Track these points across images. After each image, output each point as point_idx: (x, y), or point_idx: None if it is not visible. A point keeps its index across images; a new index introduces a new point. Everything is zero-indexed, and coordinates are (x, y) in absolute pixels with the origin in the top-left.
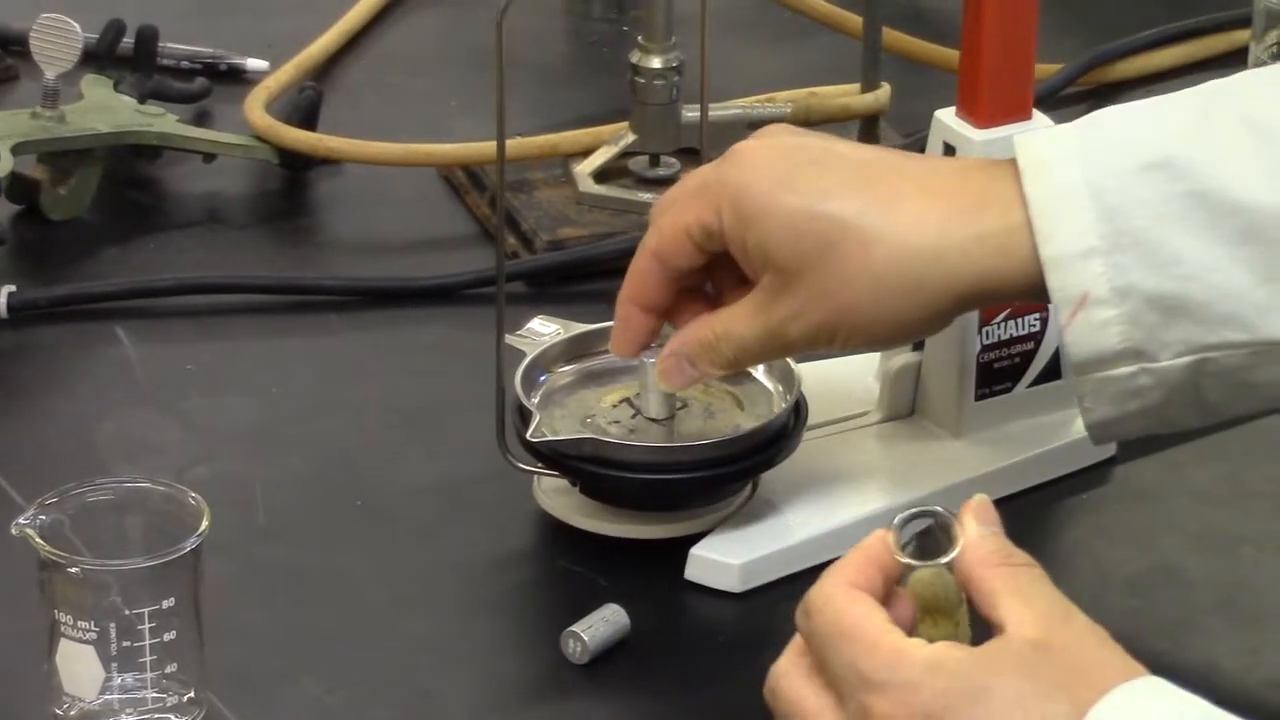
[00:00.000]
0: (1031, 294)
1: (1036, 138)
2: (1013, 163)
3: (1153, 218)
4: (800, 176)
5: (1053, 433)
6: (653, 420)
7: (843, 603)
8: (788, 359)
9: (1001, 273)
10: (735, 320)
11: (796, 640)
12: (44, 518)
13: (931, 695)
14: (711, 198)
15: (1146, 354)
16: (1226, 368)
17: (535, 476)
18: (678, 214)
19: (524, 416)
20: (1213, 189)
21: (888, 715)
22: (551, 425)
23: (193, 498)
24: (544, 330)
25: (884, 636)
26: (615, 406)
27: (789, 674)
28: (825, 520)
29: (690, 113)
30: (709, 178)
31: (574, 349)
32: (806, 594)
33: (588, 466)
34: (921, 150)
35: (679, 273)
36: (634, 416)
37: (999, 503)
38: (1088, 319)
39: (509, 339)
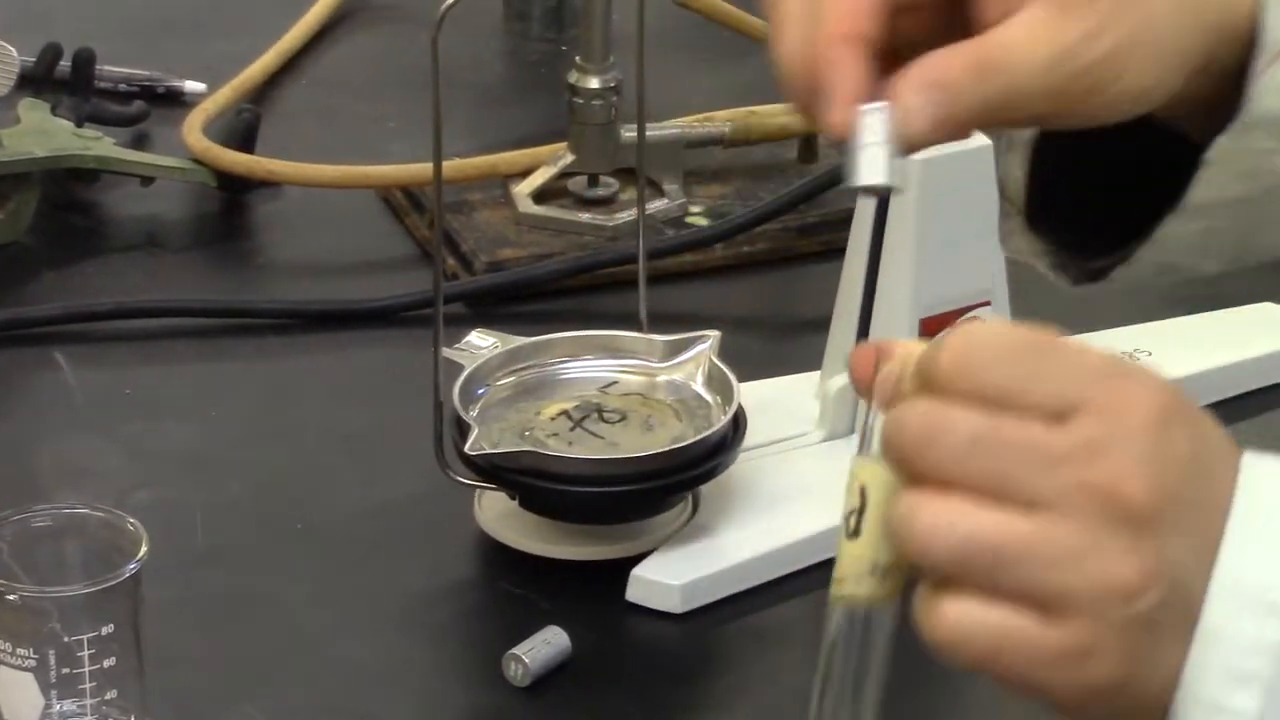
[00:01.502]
0: (1248, 38)
1: None
2: None
3: None
4: None
5: None
6: (866, 189)
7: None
8: (726, 371)
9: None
10: (1019, 37)
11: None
12: None
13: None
14: None
15: None
16: None
17: (476, 498)
18: None
19: (462, 430)
20: None
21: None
22: (490, 438)
23: (131, 523)
24: (482, 344)
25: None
26: (554, 419)
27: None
28: (766, 540)
29: (629, 132)
30: None
31: (512, 362)
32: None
33: (527, 479)
34: None
35: None
36: (573, 429)
37: None
38: (1276, 76)
39: (447, 352)
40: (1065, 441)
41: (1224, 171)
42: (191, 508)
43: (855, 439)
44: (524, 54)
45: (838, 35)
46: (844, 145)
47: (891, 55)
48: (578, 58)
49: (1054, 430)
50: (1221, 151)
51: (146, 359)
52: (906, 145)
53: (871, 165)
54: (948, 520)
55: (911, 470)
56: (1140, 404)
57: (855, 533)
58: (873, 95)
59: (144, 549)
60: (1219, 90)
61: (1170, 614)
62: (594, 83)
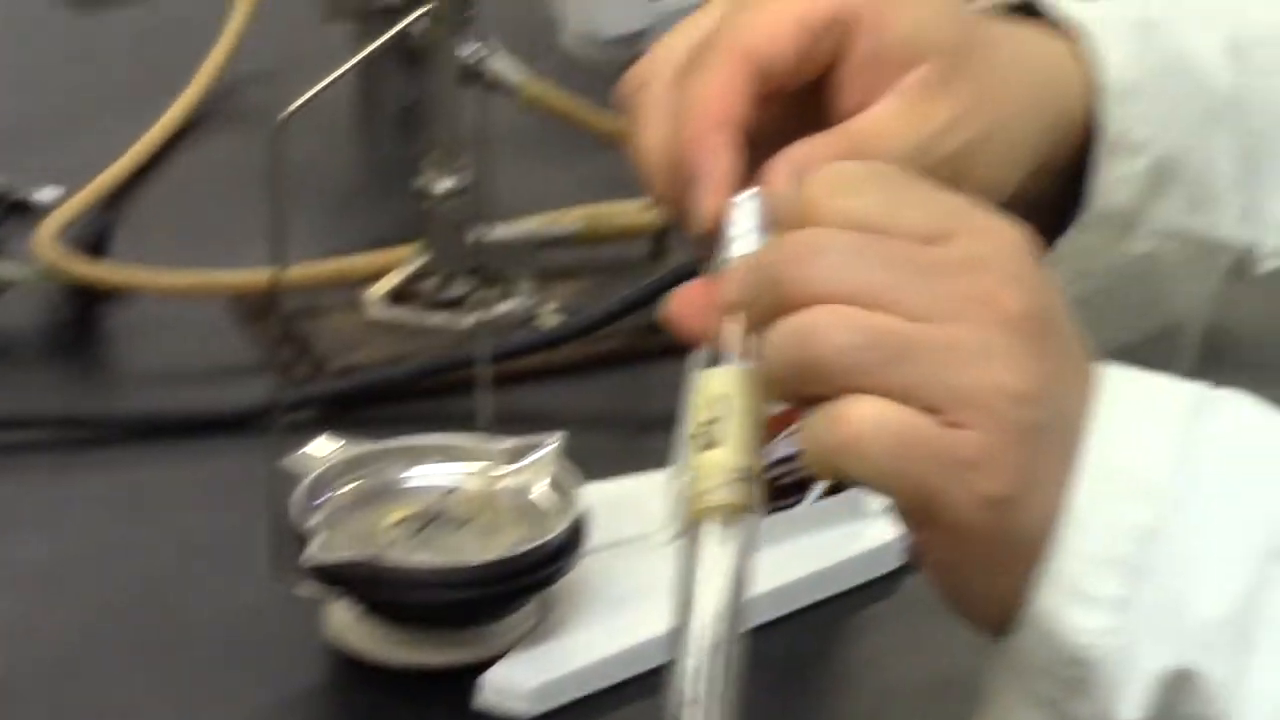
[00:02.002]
0: (1080, 134)
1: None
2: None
3: (1158, 72)
4: None
5: (840, 546)
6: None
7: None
8: (570, 473)
9: (1069, 95)
10: (883, 126)
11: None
12: None
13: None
14: None
15: (1129, 227)
16: (1160, 270)
17: (325, 608)
18: (782, 1)
19: (302, 539)
20: (1187, 61)
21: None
22: (332, 546)
23: None
24: (323, 451)
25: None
26: (397, 525)
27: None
28: (616, 641)
29: (480, 233)
30: None
31: (354, 468)
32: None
33: (368, 587)
34: None
35: (771, 80)
36: (416, 535)
37: (786, 619)
38: (1116, 168)
39: (287, 460)
40: (943, 256)
41: (1065, 271)
42: (40, 622)
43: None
44: (376, 156)
45: (709, 122)
46: (714, 235)
47: (749, 148)
48: (428, 160)
49: (930, 248)
50: (1061, 252)
51: None
52: (777, 233)
53: (745, 253)
54: (848, 317)
55: (793, 293)
56: (1006, 233)
57: (715, 443)
58: (741, 186)
59: None
60: (1051, 189)
61: (1054, 439)
62: (444, 184)
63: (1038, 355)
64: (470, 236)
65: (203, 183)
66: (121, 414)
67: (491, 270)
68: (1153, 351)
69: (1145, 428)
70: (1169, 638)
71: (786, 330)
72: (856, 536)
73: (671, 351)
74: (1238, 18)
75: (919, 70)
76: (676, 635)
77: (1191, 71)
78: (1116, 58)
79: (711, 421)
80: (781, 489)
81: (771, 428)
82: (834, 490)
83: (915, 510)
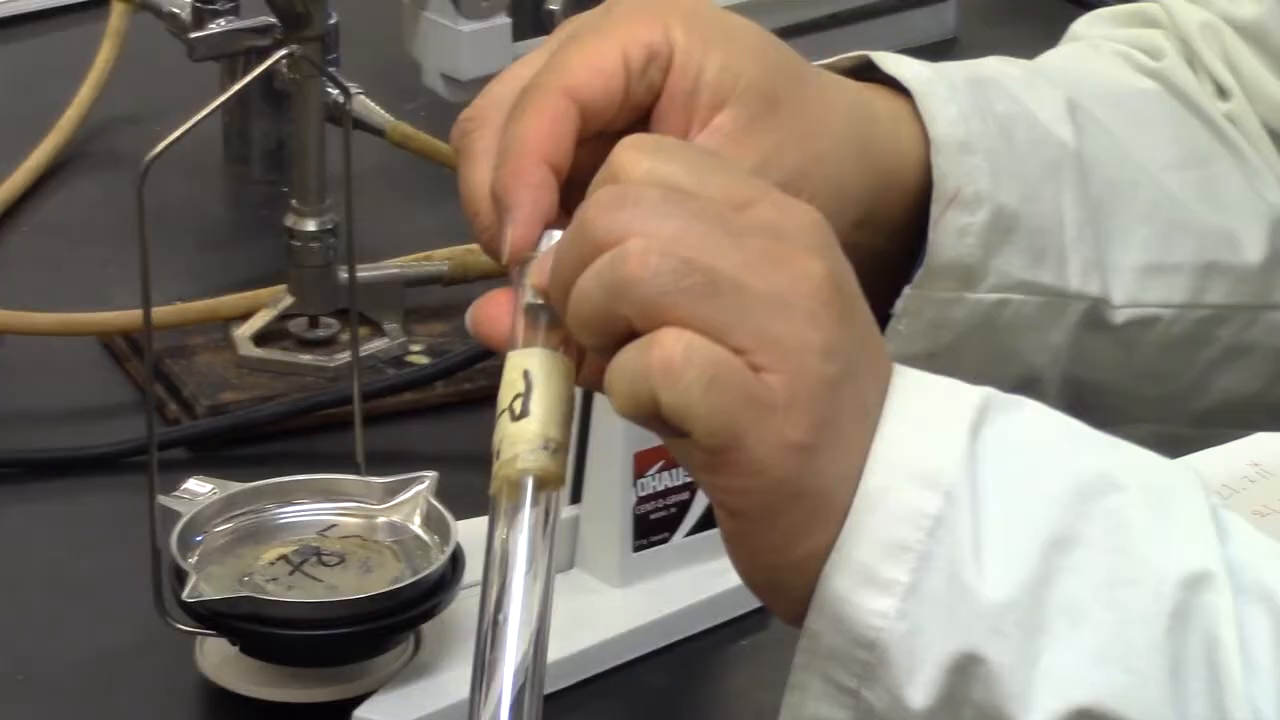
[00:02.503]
0: (916, 190)
1: (880, 53)
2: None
3: (995, 127)
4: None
5: (711, 581)
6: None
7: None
8: (444, 511)
9: (902, 151)
10: None
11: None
12: None
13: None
14: (656, 16)
15: (973, 279)
16: (1008, 321)
17: (198, 644)
18: (604, 39)
19: (181, 577)
20: (1026, 117)
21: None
22: (209, 584)
23: None
24: (199, 490)
25: None
26: (273, 564)
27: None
28: None
29: (347, 273)
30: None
31: (230, 508)
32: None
33: (246, 625)
34: None
35: (594, 118)
36: (292, 573)
37: (661, 652)
38: (954, 221)
39: (164, 500)
40: (746, 219)
41: (910, 326)
42: None
43: (517, 339)
44: (245, 196)
45: (527, 160)
46: (517, 266)
47: (573, 189)
48: (294, 200)
49: (734, 211)
50: (906, 305)
51: None
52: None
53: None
54: (662, 245)
55: (604, 239)
56: (805, 210)
57: (522, 414)
58: (558, 224)
59: None
60: (884, 246)
61: (850, 401)
62: (310, 225)
63: (838, 319)
64: (337, 277)
65: (70, 224)
66: None
67: (358, 310)
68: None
69: (935, 421)
70: (956, 623)
71: (601, 261)
72: (728, 571)
73: None
74: (1069, 81)
75: (726, 112)
76: (483, 601)
77: (1032, 127)
78: (950, 113)
79: (521, 394)
80: (654, 524)
81: (642, 463)
82: (705, 525)
83: (716, 449)
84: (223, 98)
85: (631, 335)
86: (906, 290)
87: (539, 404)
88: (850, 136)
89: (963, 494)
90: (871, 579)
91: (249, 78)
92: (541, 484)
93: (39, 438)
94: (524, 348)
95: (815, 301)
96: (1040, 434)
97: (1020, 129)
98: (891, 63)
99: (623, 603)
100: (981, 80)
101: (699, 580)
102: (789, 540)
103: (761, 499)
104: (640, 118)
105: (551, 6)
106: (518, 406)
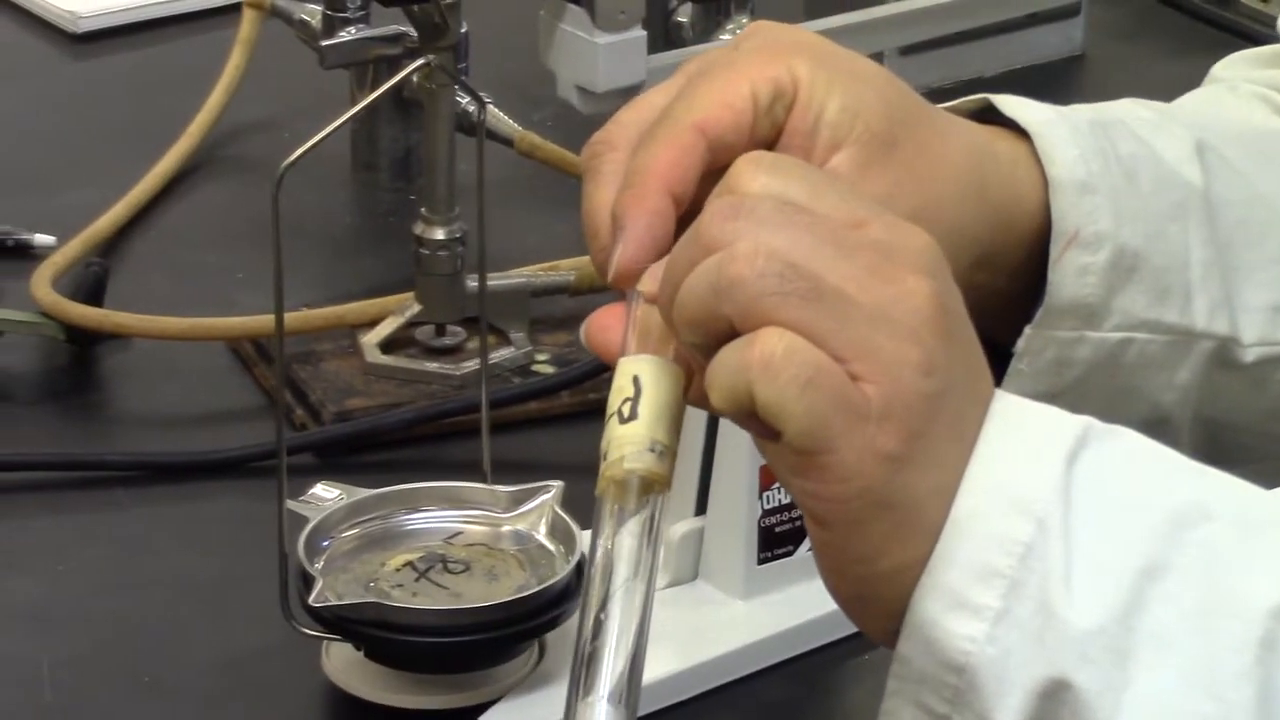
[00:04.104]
0: (1035, 231)
1: (999, 95)
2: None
3: (1118, 169)
4: (857, 56)
5: None
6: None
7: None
8: (569, 520)
9: (1020, 193)
10: None
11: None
12: None
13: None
14: (782, 54)
15: (1095, 319)
16: (1133, 360)
17: (324, 648)
18: (735, 74)
19: (307, 582)
20: (1152, 159)
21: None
22: (335, 590)
23: None
24: (327, 495)
25: None
26: (399, 570)
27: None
28: None
29: (474, 281)
30: (769, 35)
31: (357, 513)
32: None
33: (371, 630)
34: None
35: (722, 152)
36: (418, 580)
37: (783, 665)
38: (1074, 261)
39: (291, 504)
40: (857, 236)
41: (1032, 365)
42: (38, 662)
43: (630, 344)
44: (372, 203)
45: (650, 188)
46: (624, 289)
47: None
48: (423, 209)
49: (847, 229)
50: (1028, 345)
51: None
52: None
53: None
54: (769, 250)
55: (714, 245)
56: (917, 232)
57: (631, 417)
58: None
59: None
60: (1004, 287)
61: (947, 417)
62: (439, 233)
63: (940, 337)
64: (464, 285)
65: (199, 229)
66: (117, 456)
67: (485, 319)
68: None
69: (1032, 447)
70: (1045, 648)
71: (708, 261)
72: None
73: None
74: (1201, 123)
75: (843, 153)
76: (585, 601)
77: (1158, 168)
78: (1070, 154)
79: (630, 399)
80: (778, 537)
81: (767, 476)
82: None
83: (807, 451)
84: (359, 106)
85: (734, 337)
86: (1028, 330)
87: (647, 408)
88: (969, 179)
89: (1055, 521)
90: (962, 603)
91: (386, 86)
92: (647, 486)
93: (166, 441)
94: (635, 355)
95: (918, 318)
96: (1136, 462)
97: (1145, 169)
98: (1013, 105)
99: (746, 615)
100: (1106, 122)
101: (822, 593)
102: (877, 552)
103: (849, 507)
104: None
105: (680, 19)
106: (626, 410)
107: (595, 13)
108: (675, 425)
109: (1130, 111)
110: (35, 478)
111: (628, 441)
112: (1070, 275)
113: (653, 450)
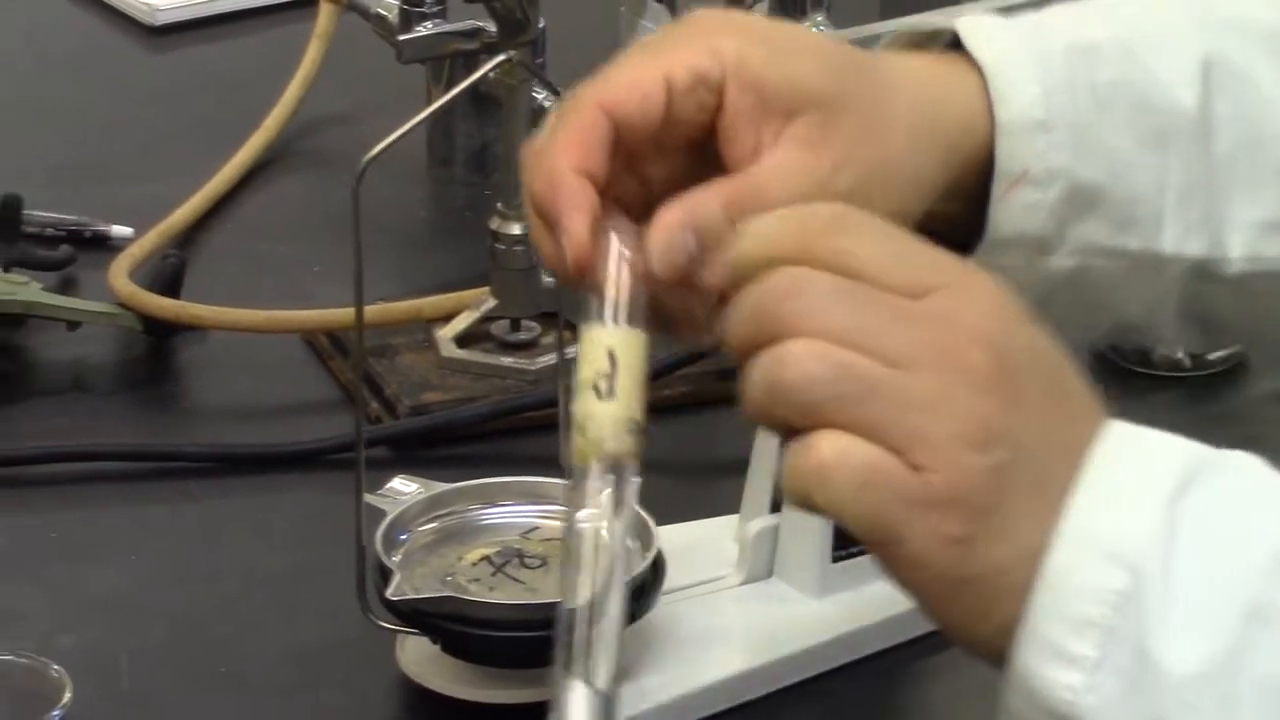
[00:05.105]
0: (985, 164)
1: (973, 20)
2: (954, 43)
3: (1089, 101)
4: (794, 28)
5: None
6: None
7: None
8: (645, 516)
9: (975, 126)
10: (773, 173)
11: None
12: None
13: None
14: (708, 36)
15: (1047, 247)
16: (1095, 280)
17: (399, 642)
18: (651, 59)
19: (385, 575)
20: (1138, 84)
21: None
22: (412, 583)
23: (55, 670)
24: (404, 489)
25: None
26: (476, 564)
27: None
28: (685, 684)
29: (550, 277)
30: (699, 21)
31: (434, 507)
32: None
33: (448, 625)
34: None
35: (630, 131)
36: (494, 574)
37: (857, 664)
38: (1021, 198)
39: (369, 498)
40: (920, 308)
41: None
42: (115, 653)
43: (600, 313)
44: (448, 198)
45: (559, 173)
46: (583, 277)
47: (648, 205)
48: (499, 203)
49: (909, 300)
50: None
51: (71, 503)
52: (655, 283)
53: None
54: (821, 350)
55: (773, 325)
56: (985, 292)
57: (609, 394)
58: (610, 231)
59: (68, 695)
60: (970, 211)
61: (1020, 483)
62: (515, 228)
63: (1005, 405)
64: (540, 280)
65: (275, 222)
66: (193, 448)
67: (560, 314)
68: (1125, 339)
69: (1131, 491)
70: (1144, 696)
71: (764, 358)
72: None
73: (739, 398)
74: (1222, 27)
75: (798, 121)
76: (565, 576)
77: (1147, 90)
78: (1030, 91)
79: (607, 375)
80: (848, 537)
81: None
82: None
83: (878, 544)
84: (441, 101)
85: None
86: (974, 259)
87: (624, 385)
88: (920, 127)
89: (1153, 568)
90: (1059, 653)
91: (468, 82)
92: (624, 463)
93: (241, 433)
94: (607, 325)
95: (979, 393)
96: (1242, 500)
97: (1124, 97)
98: (978, 37)
99: (820, 613)
100: (1089, 46)
101: (896, 593)
102: (970, 621)
103: (930, 588)
104: (698, 135)
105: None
106: (604, 386)
107: (675, 9)
108: (645, 395)
109: (1145, 20)
110: (113, 468)
111: (608, 421)
112: (1017, 211)
113: (631, 431)
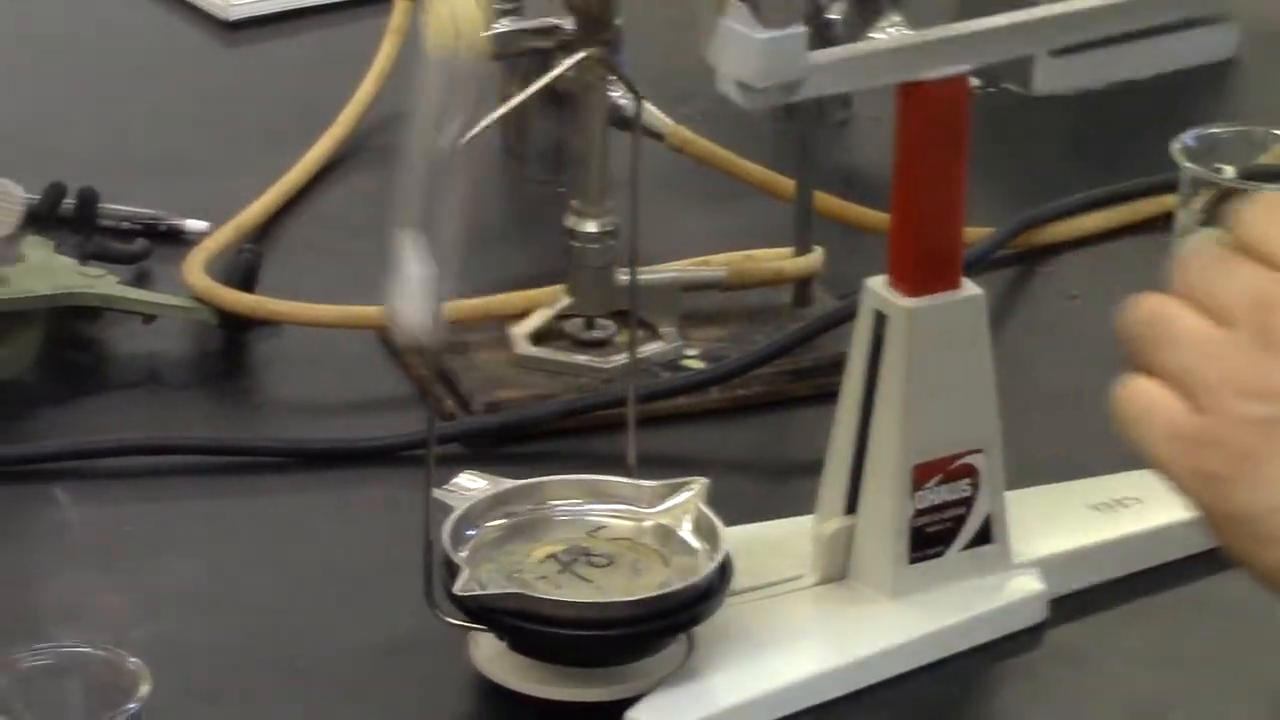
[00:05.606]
0: None
1: None
2: None
3: None
4: None
5: (985, 596)
6: None
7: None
8: (714, 517)
9: None
10: None
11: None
12: None
13: None
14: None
15: None
16: None
17: (471, 638)
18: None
19: (452, 571)
20: None
21: None
22: (479, 580)
23: (132, 662)
24: (472, 485)
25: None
26: (543, 562)
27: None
28: (759, 684)
29: (625, 275)
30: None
31: (502, 504)
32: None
33: (515, 621)
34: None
35: None
36: (561, 572)
37: (930, 667)
38: None
39: (436, 492)
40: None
41: None
42: (190, 645)
43: None
44: (520, 194)
45: None
46: None
47: None
48: (574, 201)
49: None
50: None
51: (146, 496)
52: None
53: None
54: (1154, 301)
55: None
56: None
57: None
58: None
59: (145, 688)
60: None
61: None
62: (591, 226)
63: None
64: (615, 279)
65: (348, 217)
66: (268, 443)
67: (635, 313)
68: None
69: None
70: None
71: (1131, 412)
72: (1002, 587)
73: (814, 398)
74: None
75: None
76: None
77: None
78: None
79: None
80: (930, 537)
81: (920, 475)
82: (981, 540)
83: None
84: (520, 97)
85: None
86: None
87: None
88: None
89: None
90: None
91: (547, 79)
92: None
93: (314, 428)
94: None
95: (1269, 351)
96: None
97: None
98: None
99: (895, 615)
100: None
101: (972, 595)
102: (1245, 557)
103: (1208, 521)
104: None
105: (832, 16)
106: None
107: (760, 10)
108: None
109: None
110: (187, 461)
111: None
112: None
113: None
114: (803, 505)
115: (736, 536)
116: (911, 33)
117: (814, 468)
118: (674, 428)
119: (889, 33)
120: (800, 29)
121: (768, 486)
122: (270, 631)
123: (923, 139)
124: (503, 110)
